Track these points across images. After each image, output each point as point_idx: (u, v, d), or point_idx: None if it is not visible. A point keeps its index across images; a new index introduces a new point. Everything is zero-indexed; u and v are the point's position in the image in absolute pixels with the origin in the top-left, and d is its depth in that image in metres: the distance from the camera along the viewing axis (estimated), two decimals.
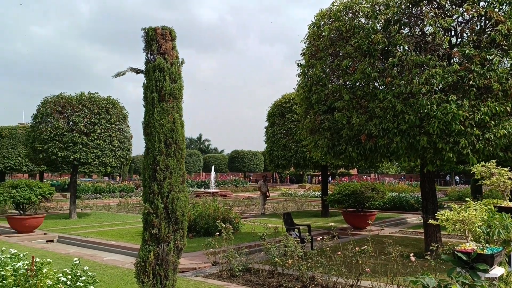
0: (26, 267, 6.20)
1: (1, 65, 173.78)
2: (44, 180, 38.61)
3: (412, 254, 6.29)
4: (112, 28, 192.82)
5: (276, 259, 7.79)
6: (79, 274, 6.18)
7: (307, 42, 11.28)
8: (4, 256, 6.68)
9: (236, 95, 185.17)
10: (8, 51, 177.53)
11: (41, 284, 5.81)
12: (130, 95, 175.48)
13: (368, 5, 9.67)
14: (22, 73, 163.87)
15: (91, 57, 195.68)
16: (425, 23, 8.85)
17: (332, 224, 8.03)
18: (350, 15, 10.13)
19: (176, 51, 5.49)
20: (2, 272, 6.08)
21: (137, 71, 5.38)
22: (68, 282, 5.84)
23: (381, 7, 9.54)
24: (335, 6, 10.51)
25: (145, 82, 5.35)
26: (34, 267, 6.19)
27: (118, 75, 5.26)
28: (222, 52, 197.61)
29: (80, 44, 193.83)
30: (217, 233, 9.06)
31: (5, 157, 31.10)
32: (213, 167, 41.48)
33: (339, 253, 6.98)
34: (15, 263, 6.33)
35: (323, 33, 10.49)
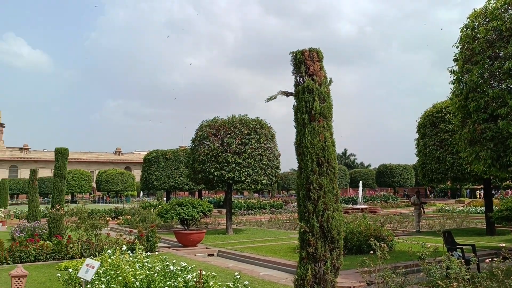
0: (195, 279, 6.80)
1: (163, 95, 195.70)
2: (202, 198, 42.03)
3: None
4: (255, 52, 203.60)
5: (439, 281, 7.26)
6: None
7: (460, 47, 10.49)
8: (175, 268, 7.43)
9: (379, 107, 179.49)
10: (167, 83, 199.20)
11: None
12: (274, 114, 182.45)
13: None
14: (180, 100, 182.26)
15: (237, 81, 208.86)
16: None
17: (503, 244, 7.21)
18: (511, 11, 9.16)
19: (324, 71, 5.59)
20: (175, 283, 6.76)
21: (287, 94, 5.60)
22: None
23: None
24: (492, 4, 9.62)
25: (295, 103, 5.54)
26: (202, 279, 6.76)
27: (270, 99, 5.53)
28: (363, 65, 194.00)
29: (228, 70, 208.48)
30: (371, 251, 8.80)
31: (170, 177, 34.72)
32: (360, 182, 40.57)
33: None
34: (185, 275, 6.99)
35: (478, 35, 9.66)
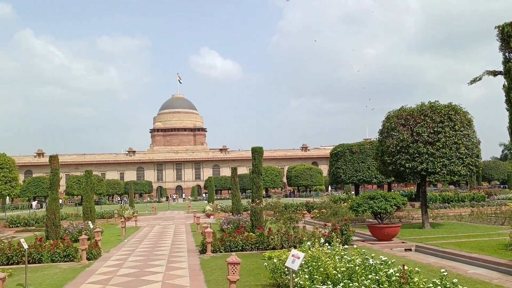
0: (398, 274, 6.61)
1: (343, 89, 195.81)
2: (392, 191, 40.70)
3: None
4: (440, 34, 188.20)
5: None
6: (448, 286, 6.15)
7: None
8: (375, 262, 7.35)
9: None
10: (347, 75, 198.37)
11: None
12: (465, 98, 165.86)
13: None
14: (360, 92, 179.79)
15: (421, 66, 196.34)
16: None
17: None
18: None
19: None
20: (377, 277, 6.69)
21: (495, 73, 5.05)
22: None
23: None
24: None
25: (505, 83, 4.92)
26: (405, 275, 6.53)
27: (474, 81, 5.07)
28: None
29: (409, 56, 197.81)
30: None
31: (357, 170, 34.55)
32: None
33: None
34: (387, 270, 6.86)
35: None
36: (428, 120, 17.84)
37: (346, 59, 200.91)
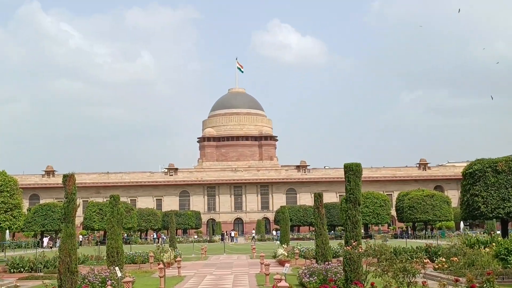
0: None
1: (480, 78, 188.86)
2: None
3: None
4: None
5: None
6: None
7: None
8: None
9: None
10: (487, 58, 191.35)
11: None
12: None
13: None
14: (505, 84, 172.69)
15: None
16: None
17: None
18: None
19: None
20: None
21: None
22: None
23: None
24: None
25: None
26: None
27: None
28: None
29: None
30: None
31: (504, 199, 33.31)
32: None
33: None
34: None
35: None
36: None
37: (486, 34, 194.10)
